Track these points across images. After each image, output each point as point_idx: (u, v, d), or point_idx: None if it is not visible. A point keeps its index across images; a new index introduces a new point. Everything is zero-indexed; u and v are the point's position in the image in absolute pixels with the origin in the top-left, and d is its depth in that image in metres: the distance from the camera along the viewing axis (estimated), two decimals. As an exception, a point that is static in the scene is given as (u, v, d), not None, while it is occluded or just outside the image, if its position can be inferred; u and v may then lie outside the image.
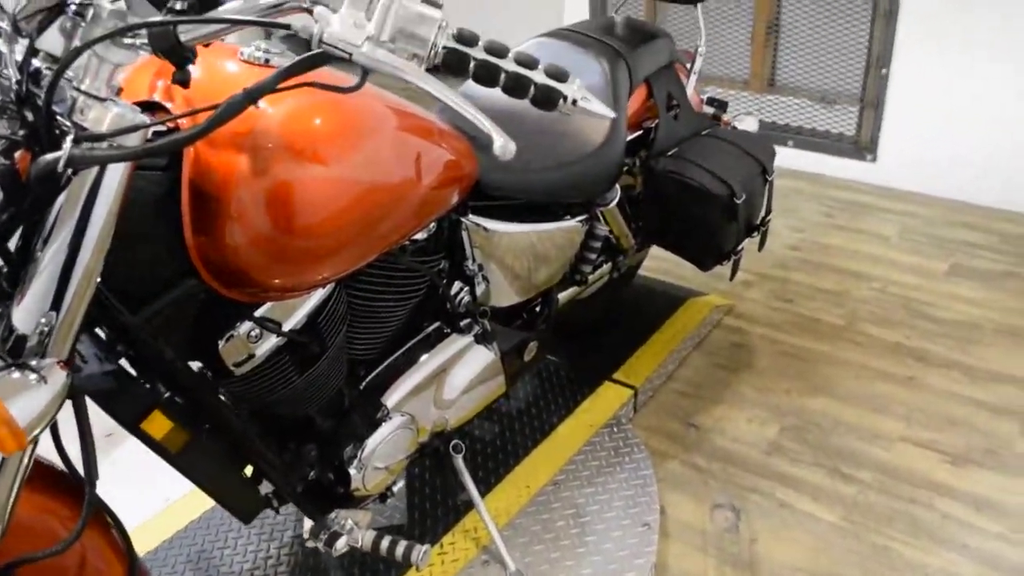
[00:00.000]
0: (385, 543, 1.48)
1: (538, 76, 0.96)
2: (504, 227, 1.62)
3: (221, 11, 0.90)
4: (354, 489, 1.46)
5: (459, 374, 1.61)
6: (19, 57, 0.92)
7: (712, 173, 1.86)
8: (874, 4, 3.32)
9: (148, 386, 1.17)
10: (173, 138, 0.90)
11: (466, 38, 0.93)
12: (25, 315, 0.93)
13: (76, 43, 0.91)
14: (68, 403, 0.95)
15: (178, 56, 0.89)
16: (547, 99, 0.97)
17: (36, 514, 1.05)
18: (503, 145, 0.92)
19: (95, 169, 0.93)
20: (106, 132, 0.90)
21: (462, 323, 1.62)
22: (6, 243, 0.96)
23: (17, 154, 0.91)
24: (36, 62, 0.93)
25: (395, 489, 1.59)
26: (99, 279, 0.97)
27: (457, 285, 1.60)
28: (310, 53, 0.90)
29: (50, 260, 0.93)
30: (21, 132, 0.90)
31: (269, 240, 1.11)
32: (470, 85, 0.96)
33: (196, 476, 1.27)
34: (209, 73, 1.18)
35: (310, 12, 0.91)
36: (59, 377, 0.92)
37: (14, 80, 0.91)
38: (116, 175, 0.94)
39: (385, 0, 0.89)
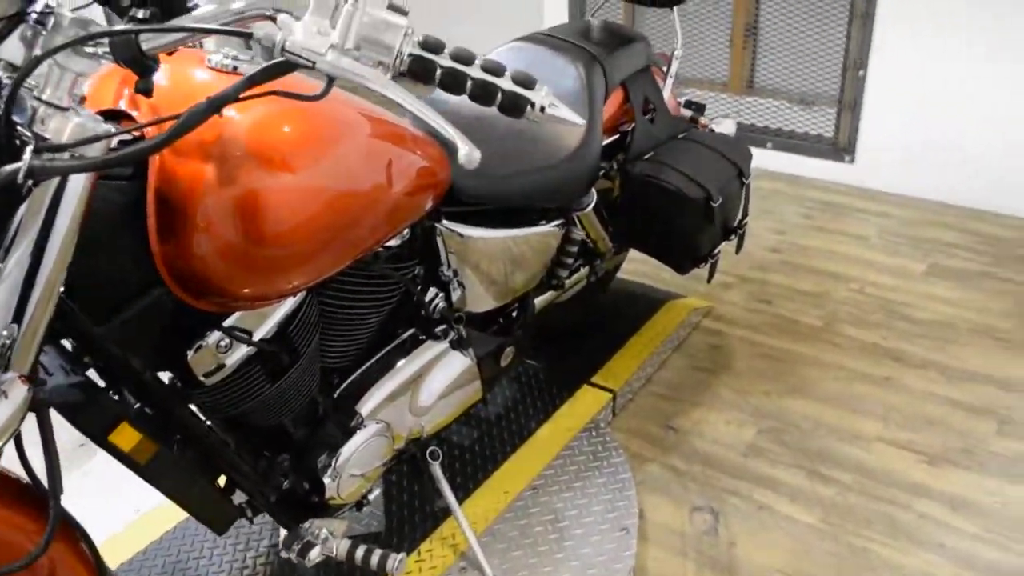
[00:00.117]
0: (360, 552, 1.46)
1: (505, 83, 0.95)
2: (479, 232, 1.61)
3: (184, 19, 0.90)
4: (329, 498, 1.44)
5: (435, 380, 1.60)
6: (-22, 67, 0.91)
7: (689, 177, 1.86)
8: (851, 6, 3.35)
9: (116, 397, 1.16)
10: (135, 148, 0.89)
11: (432, 45, 0.92)
12: (-14, 328, 0.92)
13: (37, 52, 0.90)
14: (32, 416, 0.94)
15: (140, 65, 0.88)
16: (514, 106, 0.96)
17: (1, 528, 1.03)
18: (468, 153, 0.91)
19: (57, 179, 0.92)
20: (67, 142, 0.89)
21: (437, 329, 1.62)
22: (-33, 254, 0.95)
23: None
24: (-4, 72, 0.92)
25: (371, 497, 1.58)
26: (62, 290, 0.96)
27: (432, 291, 1.59)
28: (273, 61, 0.89)
29: (11, 271, 0.92)
30: (-21, 143, 0.89)
31: (237, 249, 1.10)
32: (441, 93, 0.95)
33: (166, 487, 1.25)
34: (176, 80, 1.17)
35: (274, 20, 0.90)
36: (20, 391, 0.91)
37: (-28, 90, 0.90)
38: (78, 185, 0.93)
39: (349, 7, 0.88)
